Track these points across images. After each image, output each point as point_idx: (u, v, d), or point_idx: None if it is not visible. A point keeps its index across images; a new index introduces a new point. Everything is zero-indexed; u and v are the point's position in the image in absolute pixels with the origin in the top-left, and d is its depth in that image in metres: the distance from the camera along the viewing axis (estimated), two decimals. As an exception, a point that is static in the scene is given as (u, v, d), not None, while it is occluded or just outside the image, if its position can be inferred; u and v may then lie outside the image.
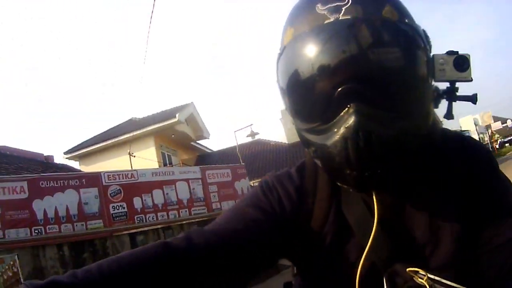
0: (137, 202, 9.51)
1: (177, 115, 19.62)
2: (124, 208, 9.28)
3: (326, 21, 0.77)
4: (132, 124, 21.37)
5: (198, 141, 24.53)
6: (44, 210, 8.14)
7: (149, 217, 9.63)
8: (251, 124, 21.58)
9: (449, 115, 0.93)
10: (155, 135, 19.90)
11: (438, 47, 0.90)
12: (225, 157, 23.43)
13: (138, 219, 9.44)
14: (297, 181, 0.98)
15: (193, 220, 10.26)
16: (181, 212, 10.24)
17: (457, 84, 0.90)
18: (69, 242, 8.17)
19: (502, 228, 0.85)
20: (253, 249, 0.88)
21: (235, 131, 20.43)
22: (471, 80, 0.90)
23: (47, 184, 8.37)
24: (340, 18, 0.76)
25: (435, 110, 0.93)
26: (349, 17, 0.76)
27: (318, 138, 0.83)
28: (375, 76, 0.76)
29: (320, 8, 0.79)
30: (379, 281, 0.86)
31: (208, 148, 26.65)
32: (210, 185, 11.19)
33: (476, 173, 0.91)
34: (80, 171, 14.10)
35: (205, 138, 24.17)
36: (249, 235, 0.88)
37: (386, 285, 0.86)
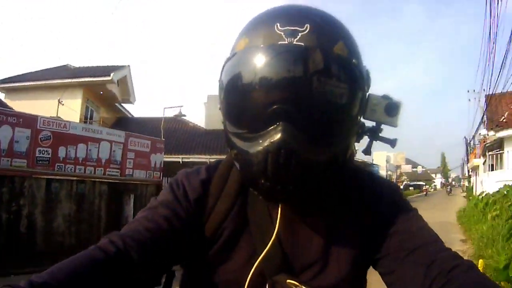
0: (61, 151, 10.14)
1: (111, 74, 20.11)
2: (48, 154, 9.74)
3: (280, 42, 0.82)
4: (65, 71, 21.75)
5: (122, 104, 24.93)
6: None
7: (68, 167, 10.21)
8: (182, 106, 22.43)
9: (367, 151, 1.03)
10: (85, 87, 20.32)
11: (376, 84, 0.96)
12: (143, 126, 23.89)
13: (58, 167, 9.95)
14: (205, 176, 1.01)
15: (105, 180, 11.12)
16: (97, 170, 11.06)
17: (382, 126, 0.99)
18: (-9, 173, 8.80)
19: (414, 242, 0.89)
20: (165, 247, 0.90)
21: (164, 108, 21.28)
22: (396, 126, 0.97)
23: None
24: (294, 42, 0.81)
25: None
26: (302, 44, 0.81)
27: (242, 144, 0.87)
28: (308, 103, 0.81)
29: (279, 28, 0.83)
30: (261, 286, 0.91)
31: (129, 112, 27.00)
32: (129, 151, 12.07)
33: (381, 206, 0.97)
34: (8, 106, 14.41)
35: (130, 102, 24.62)
36: (164, 233, 0.90)
37: None
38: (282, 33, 0.83)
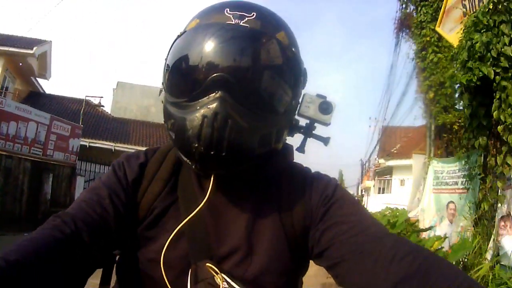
0: (-5, 127, 10.91)
1: (34, 48, 20.14)
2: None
3: (228, 22, 0.91)
4: None
5: (37, 78, 24.91)
6: None
7: (0, 143, 10.95)
8: (102, 97, 23.12)
9: (301, 149, 1.12)
10: (6, 56, 20.24)
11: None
12: (54, 104, 24.33)
13: (-10, 141, 10.60)
14: (143, 159, 1.07)
15: (29, 158, 11.98)
16: (23, 147, 11.89)
17: (317, 126, 1.08)
18: None
19: (356, 230, 0.90)
20: (111, 229, 0.94)
21: (86, 96, 22.54)
22: (328, 124, 1.07)
23: None
24: (241, 24, 0.91)
25: (289, 141, 1.10)
26: (247, 26, 0.91)
27: (180, 112, 0.93)
28: (245, 76, 0.89)
29: (228, 12, 0.93)
30: (185, 269, 0.93)
31: (42, 88, 27.01)
32: (52, 133, 13.06)
33: (313, 199, 1.00)
34: None
35: (46, 78, 24.67)
36: (108, 214, 0.94)
37: (190, 275, 0.92)
38: (231, 16, 0.92)
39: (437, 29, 7.41)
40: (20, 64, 21.22)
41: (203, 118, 0.87)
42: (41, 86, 26.59)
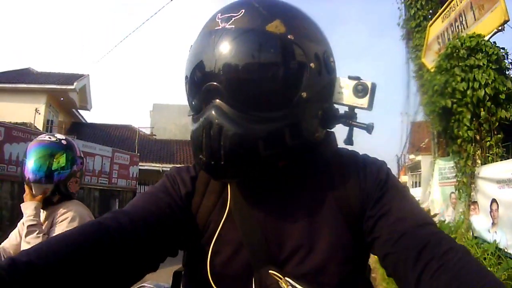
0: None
1: (74, 84, 22.72)
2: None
3: (216, 28, 0.93)
4: (29, 75, 24.03)
5: (78, 110, 27.55)
6: None
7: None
8: (153, 127, 26.03)
9: (349, 140, 1.06)
10: (49, 93, 22.58)
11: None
12: (98, 132, 26.98)
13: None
14: (193, 172, 1.10)
15: (97, 187, 14.57)
16: (92, 179, 14.46)
17: (362, 114, 1.02)
18: None
19: (406, 223, 0.91)
20: (166, 229, 0.97)
21: (138, 127, 25.29)
22: (367, 108, 0.99)
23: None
24: (226, 27, 0.91)
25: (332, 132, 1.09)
26: (233, 26, 0.91)
27: (192, 125, 0.98)
28: (233, 80, 0.90)
29: (219, 17, 0.94)
30: (248, 279, 0.97)
31: (83, 118, 29.71)
32: (114, 164, 15.66)
33: (367, 186, 1.00)
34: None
35: (87, 109, 27.33)
36: (163, 216, 0.98)
37: (254, 284, 0.96)
38: (219, 20, 0.93)
39: (423, 60, 9.94)
40: (62, 99, 23.62)
41: (202, 128, 0.91)
42: (82, 116, 29.23)
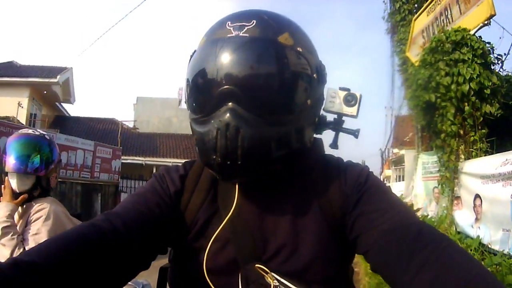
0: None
1: (58, 77, 22.60)
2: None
3: (229, 35, 0.96)
4: (12, 68, 23.66)
5: (62, 103, 27.51)
6: None
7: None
8: (135, 120, 26.01)
9: (334, 144, 1.17)
10: (32, 87, 22.52)
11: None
12: (81, 125, 26.98)
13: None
14: (182, 172, 1.14)
15: (79, 181, 14.49)
16: (74, 173, 14.37)
17: (346, 120, 1.14)
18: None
19: (385, 218, 0.94)
20: (157, 229, 1.01)
21: (121, 121, 24.96)
22: (355, 116, 1.11)
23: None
24: (240, 35, 0.95)
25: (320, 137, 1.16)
26: (247, 35, 0.95)
27: (199, 127, 1.00)
28: (250, 85, 0.94)
29: (229, 25, 0.98)
30: (234, 274, 1.00)
31: (67, 111, 29.61)
32: (97, 158, 15.62)
33: (347, 187, 1.04)
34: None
35: (70, 103, 27.31)
36: (153, 216, 1.01)
37: (241, 278, 0.99)
38: (231, 28, 0.97)
39: (407, 54, 9.89)
40: (45, 92, 23.56)
41: (217, 130, 0.93)
42: (65, 110, 29.18)
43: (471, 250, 5.85)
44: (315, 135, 1.15)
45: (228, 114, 0.93)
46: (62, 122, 26.22)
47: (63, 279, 0.78)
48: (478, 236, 6.12)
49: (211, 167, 1.01)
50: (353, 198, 1.03)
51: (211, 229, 1.05)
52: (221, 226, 1.02)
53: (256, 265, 0.98)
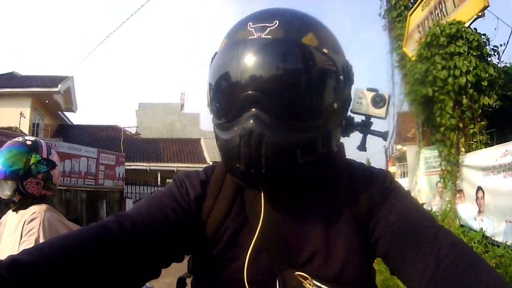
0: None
1: (59, 86, 22.66)
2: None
3: (251, 37, 0.93)
4: (13, 79, 23.84)
5: (64, 112, 27.56)
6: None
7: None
8: (137, 126, 26.07)
9: (362, 146, 1.15)
10: (33, 96, 22.61)
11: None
12: (84, 133, 27.10)
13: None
14: (203, 177, 1.10)
15: (84, 189, 14.42)
16: (79, 180, 14.31)
17: (374, 121, 1.10)
18: None
19: (403, 222, 0.96)
20: (170, 236, 0.96)
21: (123, 127, 24.97)
22: (384, 118, 1.08)
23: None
24: (262, 36, 0.92)
25: (344, 140, 1.11)
26: (269, 37, 0.92)
27: (222, 133, 0.98)
28: (274, 89, 0.90)
29: (250, 26, 0.95)
30: (271, 282, 0.97)
31: (69, 120, 29.70)
32: (100, 165, 15.59)
33: (371, 192, 1.04)
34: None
35: (73, 111, 27.35)
36: (168, 221, 0.97)
37: (279, 286, 0.97)
38: (253, 30, 0.94)
39: (404, 49, 9.84)
40: (47, 101, 23.70)
41: (240, 138, 0.90)
42: (68, 118, 29.34)
43: (474, 243, 5.82)
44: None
45: (251, 121, 0.91)
46: (65, 131, 26.45)
47: (63, 281, 0.75)
48: (481, 229, 6.07)
49: (235, 175, 0.99)
50: (378, 202, 1.03)
51: (242, 239, 1.03)
52: (255, 236, 0.99)
53: (296, 272, 0.97)
